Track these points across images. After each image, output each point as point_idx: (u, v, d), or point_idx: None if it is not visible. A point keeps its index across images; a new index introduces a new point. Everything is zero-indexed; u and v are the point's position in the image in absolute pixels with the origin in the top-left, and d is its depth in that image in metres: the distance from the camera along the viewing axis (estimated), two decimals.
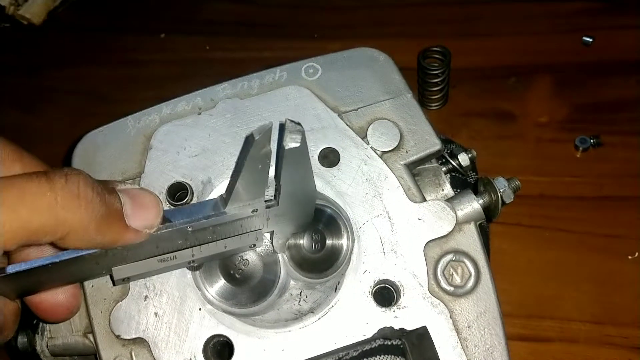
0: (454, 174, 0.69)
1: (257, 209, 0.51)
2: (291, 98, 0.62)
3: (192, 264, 0.53)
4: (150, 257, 0.50)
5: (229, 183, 0.54)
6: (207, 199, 0.58)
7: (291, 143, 0.46)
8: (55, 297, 0.50)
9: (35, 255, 0.48)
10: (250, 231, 0.53)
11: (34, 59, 1.14)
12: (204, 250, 0.52)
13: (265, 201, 0.52)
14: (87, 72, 1.10)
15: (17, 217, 0.39)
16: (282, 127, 0.49)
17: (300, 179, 0.51)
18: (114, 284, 0.54)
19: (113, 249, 0.48)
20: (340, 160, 0.59)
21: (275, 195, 0.52)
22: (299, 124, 0.46)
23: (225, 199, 0.51)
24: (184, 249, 0.51)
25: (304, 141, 0.46)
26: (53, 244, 0.44)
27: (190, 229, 0.50)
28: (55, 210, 0.41)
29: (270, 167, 0.50)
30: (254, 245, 0.55)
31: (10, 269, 0.45)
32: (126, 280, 0.52)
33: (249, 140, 0.46)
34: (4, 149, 0.48)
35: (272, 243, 0.57)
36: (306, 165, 0.50)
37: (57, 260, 0.46)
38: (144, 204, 0.47)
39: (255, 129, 0.45)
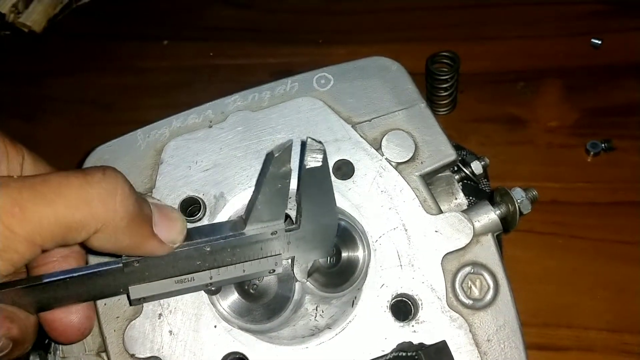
0: (466, 181, 0.68)
1: (276, 231, 0.50)
2: (303, 110, 0.60)
3: (209, 287, 0.52)
4: (167, 278, 0.50)
5: (248, 203, 0.53)
6: (222, 215, 0.57)
7: (312, 162, 0.45)
8: (68, 318, 0.50)
9: (55, 267, 0.49)
10: (270, 255, 0.52)
11: (35, 67, 1.12)
12: (222, 273, 0.51)
13: (286, 222, 0.51)
14: (89, 79, 1.08)
15: (53, 211, 0.40)
16: (303, 146, 0.48)
17: (321, 201, 0.50)
18: (130, 304, 0.53)
19: (130, 264, 0.47)
20: (355, 172, 0.58)
21: (296, 218, 0.51)
22: (320, 142, 0.45)
23: (244, 219, 0.50)
24: (202, 271, 0.51)
25: (325, 161, 0.45)
26: (82, 245, 0.44)
27: (208, 249, 0.49)
28: (91, 203, 0.41)
29: (290, 189, 0.49)
30: (274, 270, 0.54)
31: (46, 278, 0.46)
32: (142, 300, 0.51)
33: (268, 158, 0.45)
34: (4, 142, 0.49)
35: (292, 270, 0.56)
36: (327, 186, 0.49)
37: (75, 274, 0.47)
38: (171, 217, 0.49)
39: (275, 146, 0.45)
